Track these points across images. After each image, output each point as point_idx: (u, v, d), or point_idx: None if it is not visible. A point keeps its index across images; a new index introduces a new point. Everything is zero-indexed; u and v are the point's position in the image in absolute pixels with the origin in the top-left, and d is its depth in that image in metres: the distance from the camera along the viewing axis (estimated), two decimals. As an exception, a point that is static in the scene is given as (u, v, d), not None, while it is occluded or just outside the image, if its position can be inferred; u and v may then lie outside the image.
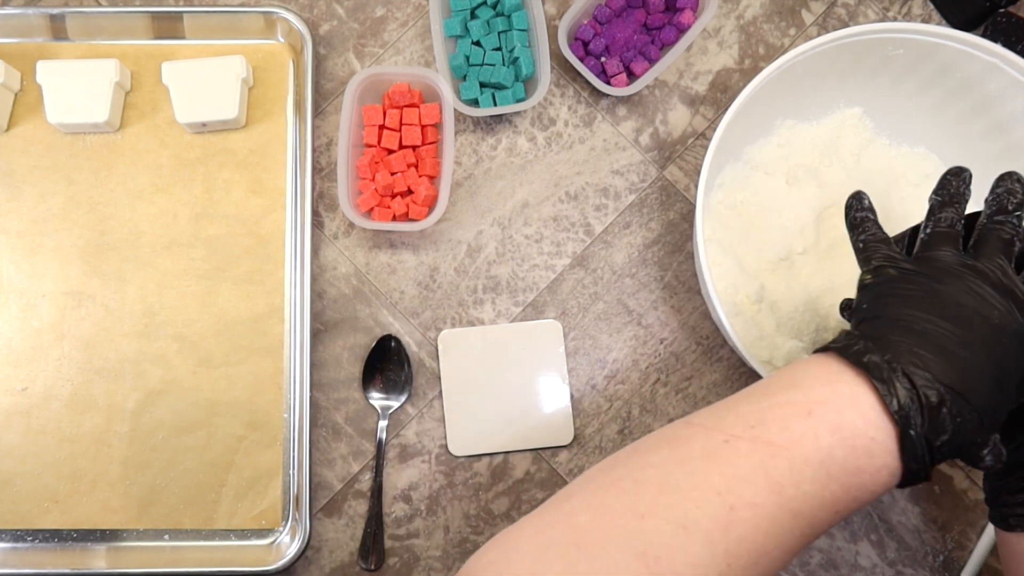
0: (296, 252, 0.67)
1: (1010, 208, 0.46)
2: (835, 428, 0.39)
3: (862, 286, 0.47)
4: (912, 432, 0.38)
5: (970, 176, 0.48)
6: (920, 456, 0.39)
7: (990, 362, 0.41)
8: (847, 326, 0.54)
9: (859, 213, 0.51)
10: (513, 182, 0.70)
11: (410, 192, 0.67)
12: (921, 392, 0.39)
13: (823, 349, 0.43)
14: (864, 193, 0.52)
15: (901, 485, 0.40)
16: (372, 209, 0.66)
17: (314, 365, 0.66)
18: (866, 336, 0.42)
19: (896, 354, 0.40)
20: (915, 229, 0.51)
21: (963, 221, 0.47)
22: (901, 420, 0.38)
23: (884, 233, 0.49)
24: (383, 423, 0.66)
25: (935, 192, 0.48)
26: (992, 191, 0.47)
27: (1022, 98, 0.61)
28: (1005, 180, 0.47)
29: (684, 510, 0.37)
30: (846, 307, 0.58)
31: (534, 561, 0.37)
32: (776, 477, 0.38)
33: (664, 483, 0.39)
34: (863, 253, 0.49)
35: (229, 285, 0.67)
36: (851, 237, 0.51)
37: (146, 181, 0.68)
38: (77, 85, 0.66)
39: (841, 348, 0.41)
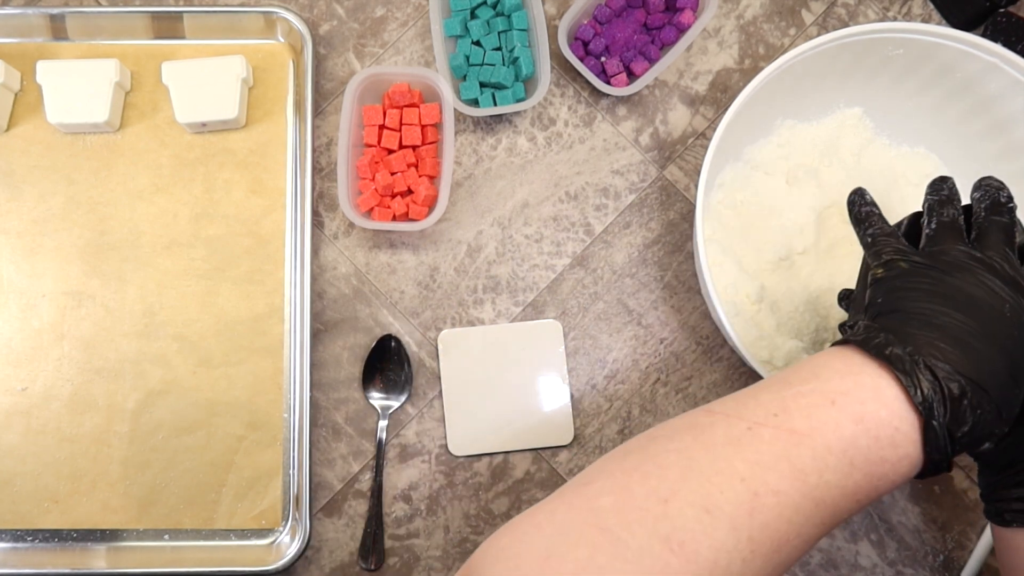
0: (296, 252, 0.67)
1: (1002, 200, 0.47)
2: (858, 418, 0.39)
3: (874, 280, 0.47)
4: (935, 423, 0.39)
5: (955, 183, 0.49)
6: (942, 447, 0.39)
7: (1005, 355, 0.41)
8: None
9: (863, 208, 0.51)
10: (513, 182, 0.70)
11: (410, 192, 0.67)
12: (943, 384, 0.39)
13: (842, 342, 0.43)
14: (864, 189, 0.52)
15: (921, 476, 0.41)
16: (372, 209, 0.66)
17: (314, 365, 0.66)
18: (885, 329, 0.42)
19: (917, 347, 0.40)
20: (915, 216, 0.51)
21: (963, 217, 0.47)
22: (925, 411, 0.39)
23: (891, 226, 0.50)
24: (383, 423, 0.66)
25: (930, 194, 0.49)
26: (979, 189, 0.48)
27: (1022, 98, 0.61)
28: (987, 180, 0.48)
29: (708, 495, 0.37)
30: (844, 297, 0.58)
31: (553, 544, 0.37)
32: (799, 465, 0.38)
33: (687, 468, 0.38)
34: (872, 247, 0.49)
35: (229, 285, 0.67)
36: (857, 232, 0.51)
37: (146, 181, 0.68)
38: (77, 85, 0.66)
39: (862, 341, 0.42)
